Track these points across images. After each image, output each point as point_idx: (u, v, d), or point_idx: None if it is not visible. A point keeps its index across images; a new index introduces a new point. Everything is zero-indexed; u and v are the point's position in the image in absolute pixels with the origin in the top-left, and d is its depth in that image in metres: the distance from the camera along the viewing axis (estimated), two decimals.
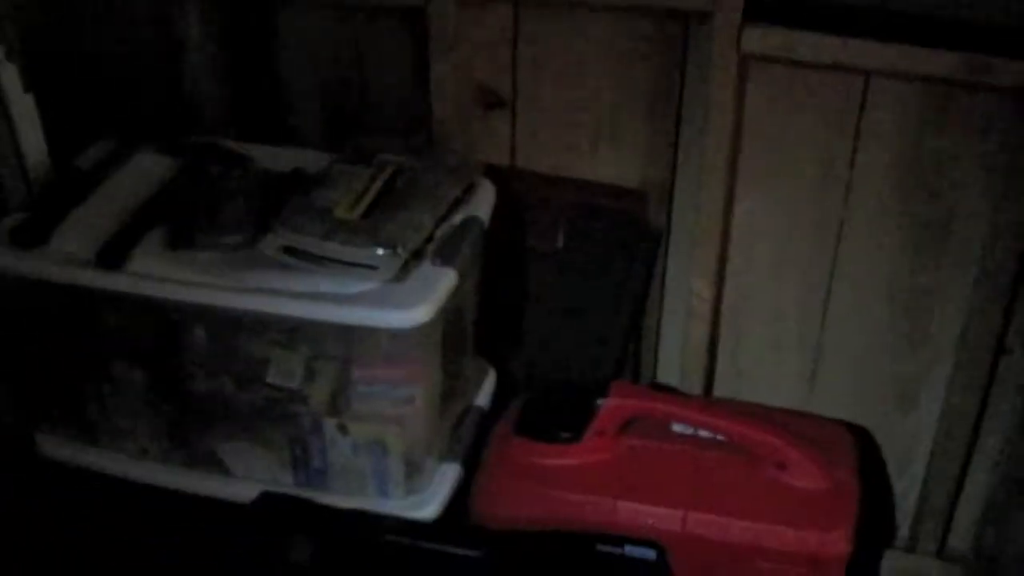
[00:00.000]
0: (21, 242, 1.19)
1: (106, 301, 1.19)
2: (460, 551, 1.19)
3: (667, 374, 1.47)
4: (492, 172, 1.40)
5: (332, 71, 1.43)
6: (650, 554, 1.22)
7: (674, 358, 1.45)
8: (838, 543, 1.18)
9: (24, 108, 1.27)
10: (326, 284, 1.15)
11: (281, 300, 1.15)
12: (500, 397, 1.41)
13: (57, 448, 1.29)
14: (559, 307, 1.41)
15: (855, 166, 1.30)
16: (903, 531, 1.49)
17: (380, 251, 1.15)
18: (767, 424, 1.25)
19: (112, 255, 1.18)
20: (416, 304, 1.14)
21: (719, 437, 1.25)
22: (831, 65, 1.24)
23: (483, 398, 1.39)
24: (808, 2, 1.23)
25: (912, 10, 1.20)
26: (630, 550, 1.23)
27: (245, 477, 1.26)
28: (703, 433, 1.26)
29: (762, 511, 1.20)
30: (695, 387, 1.44)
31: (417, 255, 1.19)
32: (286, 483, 1.26)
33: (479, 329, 1.39)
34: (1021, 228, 1.24)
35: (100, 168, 1.30)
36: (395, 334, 1.16)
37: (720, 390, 1.48)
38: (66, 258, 1.18)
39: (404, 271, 1.17)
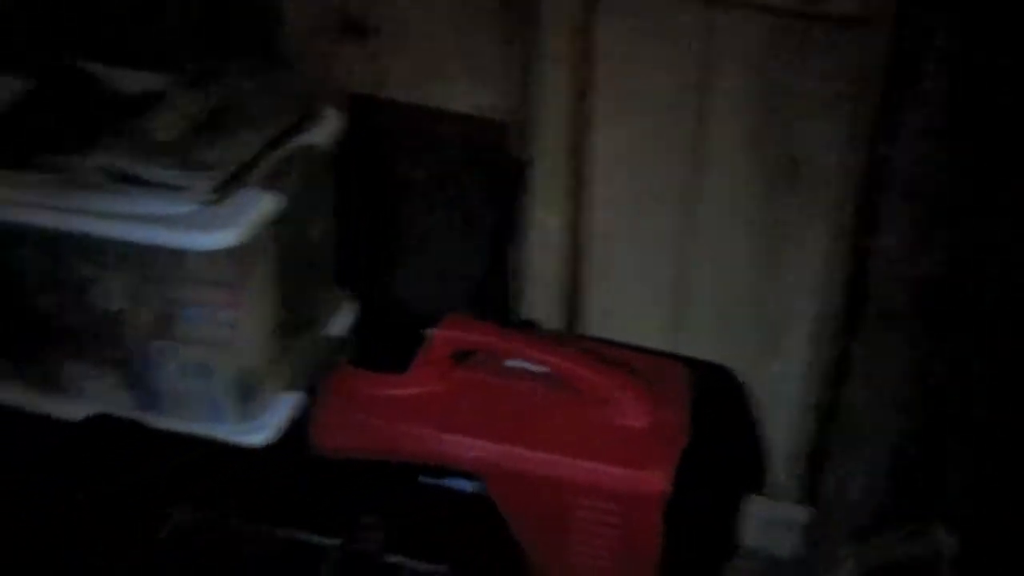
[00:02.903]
0: None
1: None
2: None
3: (535, 311, 1.44)
4: (355, 102, 1.39)
5: None
6: (471, 486, 1.22)
7: (538, 295, 1.42)
8: (653, 482, 1.16)
9: None
10: (138, 205, 1.14)
11: (90, 221, 1.15)
12: (368, 329, 1.40)
13: None
14: (422, 241, 1.39)
15: (706, 95, 1.25)
16: (778, 478, 1.46)
17: (193, 173, 1.15)
18: (597, 362, 1.22)
19: None
20: (226, 227, 1.14)
21: (551, 374, 1.23)
22: None
23: (339, 329, 1.38)
24: None
25: None
26: (451, 482, 1.22)
27: (87, 398, 1.27)
28: (537, 369, 1.24)
29: (581, 447, 1.18)
30: (558, 324, 1.41)
31: (238, 179, 1.18)
32: (124, 405, 1.26)
33: (339, 259, 1.39)
34: (867, 164, 1.19)
35: None
36: (213, 257, 1.16)
37: (588, 328, 1.45)
38: None
39: (222, 194, 1.16)
